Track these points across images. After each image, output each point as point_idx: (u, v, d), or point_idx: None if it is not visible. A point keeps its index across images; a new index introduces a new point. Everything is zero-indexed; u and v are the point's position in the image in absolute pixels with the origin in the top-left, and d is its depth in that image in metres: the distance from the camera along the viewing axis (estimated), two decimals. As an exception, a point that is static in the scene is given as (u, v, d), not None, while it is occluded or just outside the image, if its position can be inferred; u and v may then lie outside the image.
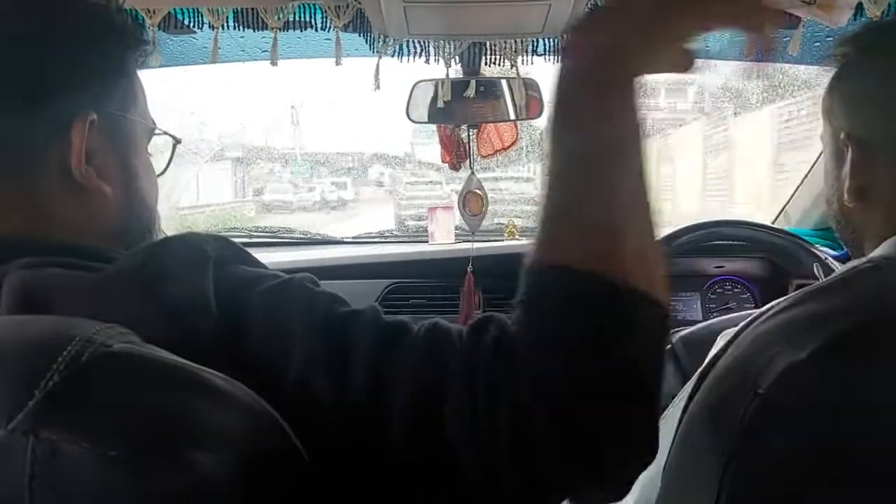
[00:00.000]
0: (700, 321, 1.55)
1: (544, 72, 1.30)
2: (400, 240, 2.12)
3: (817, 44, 1.30)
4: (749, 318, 0.57)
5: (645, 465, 0.45)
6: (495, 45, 1.25)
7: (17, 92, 0.54)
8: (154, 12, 1.12)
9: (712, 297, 1.84)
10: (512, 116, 1.38)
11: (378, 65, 1.22)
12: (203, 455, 0.35)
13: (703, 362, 0.62)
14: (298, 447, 0.43)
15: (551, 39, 1.21)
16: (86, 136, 0.55)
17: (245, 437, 0.39)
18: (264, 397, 0.43)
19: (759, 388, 0.48)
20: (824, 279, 0.57)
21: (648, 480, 0.75)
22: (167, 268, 0.50)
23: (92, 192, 0.57)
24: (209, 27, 1.15)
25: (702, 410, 0.56)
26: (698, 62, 0.52)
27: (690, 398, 0.60)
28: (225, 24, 1.15)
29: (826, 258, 1.34)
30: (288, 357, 0.47)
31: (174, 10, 1.13)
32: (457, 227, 1.98)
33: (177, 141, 0.73)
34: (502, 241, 1.95)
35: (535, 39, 1.22)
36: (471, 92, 1.32)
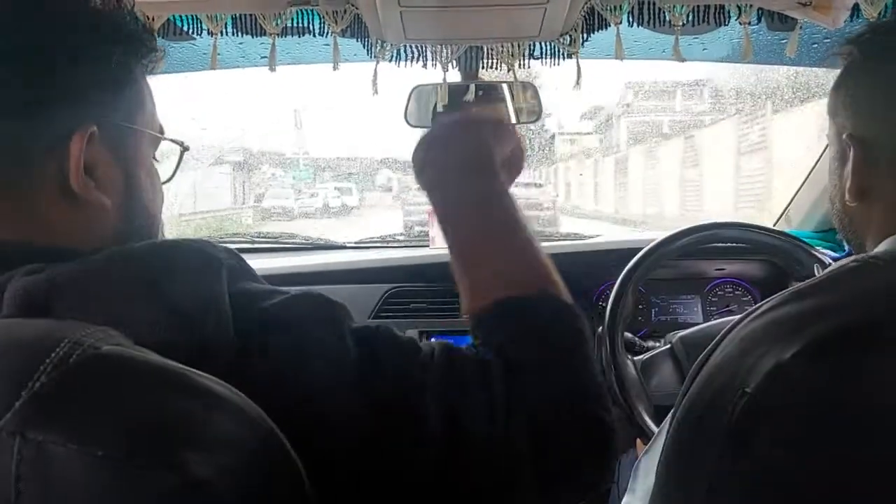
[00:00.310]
0: (700, 324, 1.55)
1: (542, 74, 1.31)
2: (401, 244, 2.12)
3: (815, 45, 1.30)
4: (738, 318, 0.57)
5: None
6: (492, 49, 1.25)
7: (16, 103, 0.53)
8: (154, 19, 1.13)
9: (713, 299, 1.84)
10: (512, 120, 1.38)
11: (376, 70, 1.22)
12: (191, 456, 0.35)
13: None
14: (291, 453, 0.43)
15: (548, 42, 1.21)
16: (85, 148, 0.55)
17: (235, 439, 0.39)
18: (273, 407, 0.43)
19: (746, 387, 0.48)
20: (812, 278, 0.57)
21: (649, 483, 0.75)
22: (178, 271, 0.50)
23: (91, 204, 0.57)
24: (208, 33, 1.16)
25: (692, 409, 0.56)
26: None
27: (679, 403, 0.60)
28: (224, 31, 1.16)
29: (829, 262, 1.34)
30: (309, 372, 0.49)
31: (173, 16, 1.14)
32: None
33: (185, 148, 0.72)
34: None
35: (531, 43, 1.22)
36: (469, 96, 1.32)
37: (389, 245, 2.10)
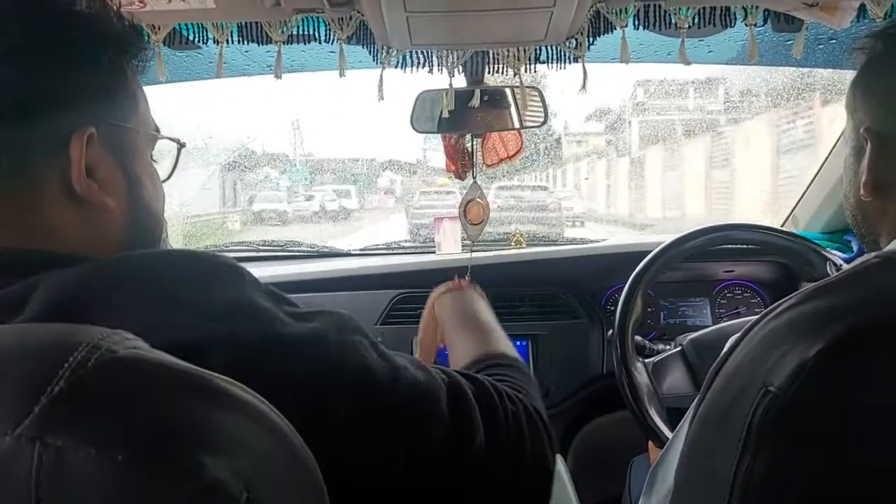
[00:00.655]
0: (709, 326, 1.54)
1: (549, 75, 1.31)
2: (407, 251, 2.12)
3: (821, 46, 1.30)
4: (758, 317, 0.57)
5: None
6: (498, 54, 1.25)
7: (12, 109, 0.54)
8: (159, 28, 1.13)
9: (722, 301, 1.83)
10: (516, 125, 1.38)
11: (381, 76, 1.22)
12: (209, 459, 0.35)
13: (712, 364, 0.62)
14: (309, 457, 0.43)
15: (554, 47, 1.21)
16: (84, 150, 0.56)
17: (252, 442, 0.39)
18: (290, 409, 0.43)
19: (769, 385, 0.47)
20: (834, 275, 0.57)
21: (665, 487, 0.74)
22: (211, 277, 0.54)
23: (96, 206, 0.58)
24: (214, 42, 1.16)
25: (713, 410, 0.55)
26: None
27: (700, 401, 0.60)
28: (229, 39, 1.16)
29: (840, 263, 1.33)
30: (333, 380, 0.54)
31: (179, 25, 1.14)
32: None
33: (181, 145, 0.73)
34: (508, 249, 1.95)
35: (537, 47, 1.22)
36: (475, 101, 1.32)
37: (395, 252, 2.10)
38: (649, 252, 1.37)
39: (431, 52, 1.23)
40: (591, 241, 2.06)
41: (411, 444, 0.57)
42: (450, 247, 1.97)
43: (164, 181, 0.70)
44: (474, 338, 0.91)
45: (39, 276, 0.50)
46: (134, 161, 0.62)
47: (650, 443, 1.27)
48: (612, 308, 1.71)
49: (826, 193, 1.71)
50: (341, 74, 1.20)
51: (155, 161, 0.68)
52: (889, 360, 0.45)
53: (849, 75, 0.73)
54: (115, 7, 0.60)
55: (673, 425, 1.20)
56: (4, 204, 0.55)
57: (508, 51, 1.23)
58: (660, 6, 1.13)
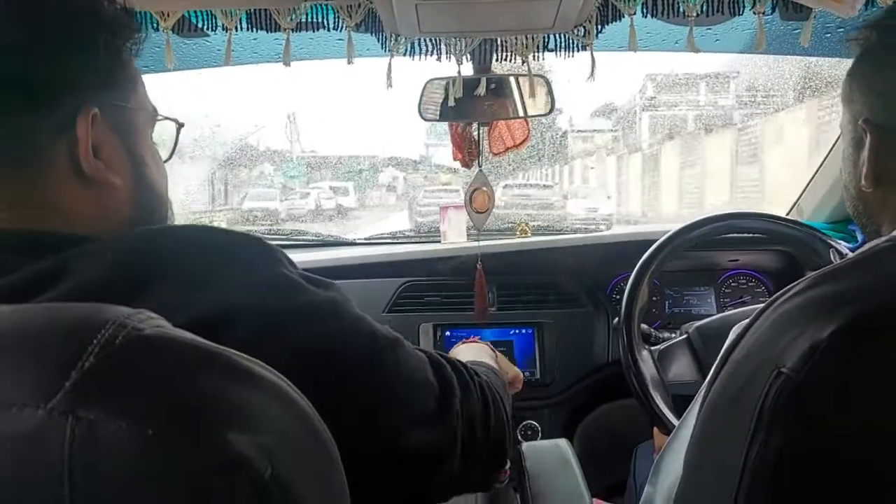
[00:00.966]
0: (714, 315, 1.55)
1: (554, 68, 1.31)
2: (412, 240, 2.13)
3: (828, 35, 1.30)
4: (767, 302, 0.57)
5: None
6: (506, 42, 1.25)
7: (16, 93, 0.55)
8: (168, 15, 1.13)
9: (727, 290, 1.84)
10: (523, 113, 1.38)
11: (390, 64, 1.22)
12: (235, 435, 0.36)
13: (718, 352, 0.62)
14: (328, 436, 0.44)
15: (562, 35, 1.21)
16: (90, 129, 0.57)
17: (275, 419, 0.40)
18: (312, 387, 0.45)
19: (782, 367, 0.48)
20: (847, 258, 0.57)
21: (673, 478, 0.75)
22: (243, 252, 0.58)
23: (103, 185, 0.59)
24: (223, 29, 1.17)
25: (722, 396, 0.56)
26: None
27: (709, 387, 0.60)
28: (238, 26, 1.16)
29: (846, 252, 1.33)
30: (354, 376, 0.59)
31: (187, 13, 1.15)
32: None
33: (180, 125, 0.74)
34: (514, 238, 1.96)
35: (545, 35, 1.22)
36: (482, 90, 1.32)
37: (400, 241, 2.11)
38: (655, 241, 1.38)
39: (440, 40, 1.23)
40: (596, 231, 2.06)
41: (413, 409, 0.64)
42: (455, 236, 1.98)
43: (165, 161, 0.71)
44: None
45: (67, 254, 0.51)
46: (136, 140, 0.64)
47: (655, 430, 1.28)
48: (618, 297, 1.72)
49: (831, 183, 1.71)
50: (350, 62, 1.20)
51: (156, 144, 0.69)
52: None
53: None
54: None
55: (678, 412, 1.21)
56: (16, 186, 0.56)
57: (516, 39, 1.23)
58: (668, -6, 1.13)
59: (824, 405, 0.47)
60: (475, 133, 1.44)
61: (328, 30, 1.18)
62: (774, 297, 0.56)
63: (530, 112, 1.39)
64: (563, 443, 1.13)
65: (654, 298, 1.81)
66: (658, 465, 0.84)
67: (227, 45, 1.18)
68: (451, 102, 1.31)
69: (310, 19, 1.16)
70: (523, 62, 1.25)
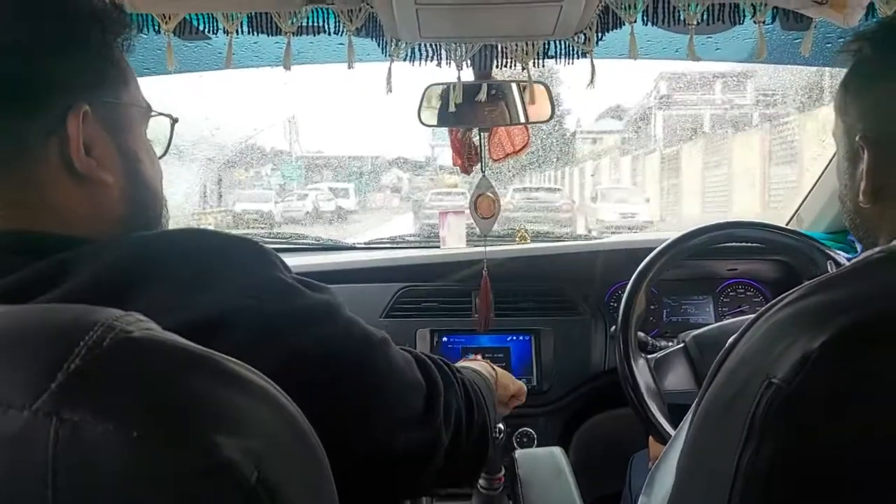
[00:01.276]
0: (712, 324, 1.54)
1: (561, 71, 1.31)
2: (411, 245, 2.12)
3: (829, 45, 1.30)
4: (760, 311, 0.57)
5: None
6: (506, 48, 1.25)
7: (5, 91, 0.55)
8: (169, 18, 1.14)
9: (725, 300, 1.84)
10: (523, 119, 1.38)
11: (390, 68, 1.22)
12: (221, 438, 0.36)
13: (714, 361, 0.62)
14: (316, 440, 0.44)
15: (562, 41, 1.21)
16: (81, 127, 0.57)
17: (262, 423, 0.40)
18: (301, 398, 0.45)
19: (773, 377, 0.48)
20: (838, 269, 0.57)
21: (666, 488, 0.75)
22: (239, 256, 0.58)
23: (96, 183, 0.59)
24: (224, 32, 1.17)
25: (715, 404, 0.56)
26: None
27: (702, 397, 0.60)
28: (239, 29, 1.16)
29: (844, 263, 1.33)
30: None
31: (189, 15, 1.15)
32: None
33: (174, 120, 0.74)
34: (512, 245, 1.96)
35: (546, 42, 1.22)
36: (482, 95, 1.32)
37: (399, 245, 2.11)
38: (653, 249, 1.38)
39: (440, 46, 1.23)
40: (596, 238, 2.06)
41: (404, 409, 0.65)
42: (454, 241, 1.97)
43: (160, 157, 0.71)
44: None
45: (64, 256, 0.51)
46: (129, 137, 0.64)
47: (650, 438, 1.27)
48: (616, 305, 1.72)
49: (830, 193, 1.71)
50: (350, 66, 1.20)
51: (151, 140, 0.69)
52: (892, 352, 0.46)
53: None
54: None
55: (674, 421, 1.20)
56: (9, 185, 0.56)
57: (517, 45, 1.24)
58: (669, 2, 1.13)
59: (815, 415, 0.47)
60: (475, 139, 1.44)
61: (329, 34, 1.18)
62: (767, 306, 0.56)
63: (530, 119, 1.39)
64: (557, 451, 1.13)
65: (652, 307, 1.81)
66: (653, 475, 0.83)
67: (228, 48, 1.18)
68: (452, 108, 1.31)
69: (311, 23, 1.17)
70: (523, 68, 1.25)
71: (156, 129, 0.70)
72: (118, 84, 0.63)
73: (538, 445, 1.66)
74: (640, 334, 1.38)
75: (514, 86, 1.35)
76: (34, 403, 0.34)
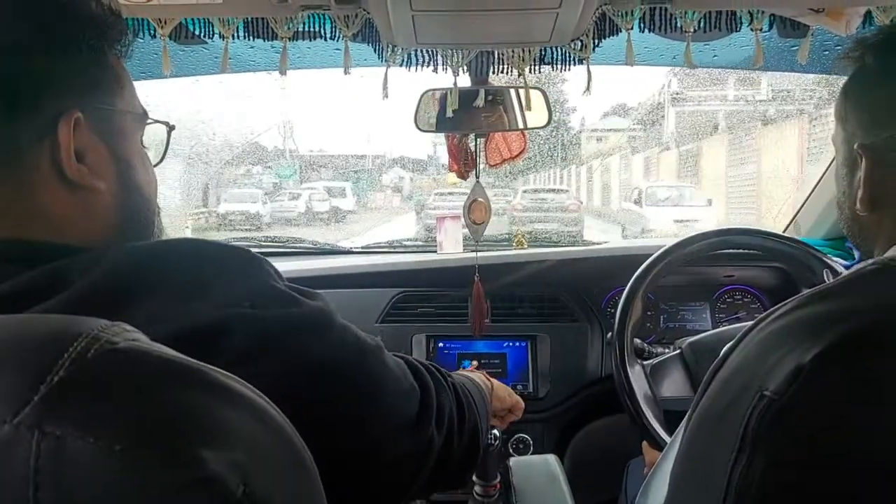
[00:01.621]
0: (709, 331, 1.54)
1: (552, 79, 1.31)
2: (408, 249, 2.12)
3: (826, 52, 1.30)
4: (754, 321, 0.57)
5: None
6: (503, 54, 1.25)
7: None
8: (165, 22, 1.13)
9: (722, 306, 1.84)
10: (520, 125, 1.38)
11: (386, 74, 1.22)
12: (206, 452, 0.35)
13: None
14: (304, 450, 0.44)
15: (559, 48, 1.21)
16: (72, 134, 0.56)
17: (249, 435, 0.39)
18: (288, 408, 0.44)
19: (765, 389, 0.47)
20: (830, 281, 0.57)
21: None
22: (234, 265, 0.58)
23: (88, 190, 0.58)
24: (220, 37, 1.17)
25: (708, 414, 0.56)
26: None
27: (696, 405, 0.60)
28: (235, 35, 1.16)
29: (841, 270, 1.33)
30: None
31: (185, 20, 1.15)
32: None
33: (170, 128, 0.74)
34: (509, 250, 1.95)
35: (542, 48, 1.22)
36: (479, 101, 1.32)
37: (396, 250, 2.10)
38: (650, 255, 1.37)
39: (436, 51, 1.23)
40: (594, 243, 2.06)
41: (398, 416, 0.66)
42: (451, 246, 1.97)
43: (155, 165, 0.70)
44: None
45: (59, 265, 0.51)
46: (122, 144, 0.63)
47: (644, 444, 1.27)
48: (613, 311, 1.71)
49: (828, 199, 1.71)
50: (346, 72, 1.20)
51: (146, 148, 0.68)
52: (884, 365, 0.45)
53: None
54: None
55: (669, 427, 1.20)
56: (2, 193, 0.56)
57: (513, 51, 1.23)
58: (666, 9, 1.13)
59: (807, 428, 0.46)
60: (472, 144, 1.44)
61: (325, 39, 1.18)
62: (761, 317, 0.56)
63: (527, 124, 1.39)
64: (551, 458, 1.13)
65: (649, 313, 1.80)
66: (648, 484, 0.83)
67: (224, 52, 1.18)
68: (449, 114, 1.31)
69: (307, 28, 1.17)
70: (520, 75, 1.25)
71: (152, 134, 0.70)
72: (112, 90, 0.62)
73: (534, 452, 1.66)
74: (637, 341, 1.38)
75: (511, 92, 1.35)
76: (16, 417, 0.33)
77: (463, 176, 1.45)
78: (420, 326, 1.71)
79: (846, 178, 0.70)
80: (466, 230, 1.92)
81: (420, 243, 2.18)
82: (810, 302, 0.53)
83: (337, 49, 1.20)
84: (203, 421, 0.37)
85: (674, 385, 1.30)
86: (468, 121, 1.35)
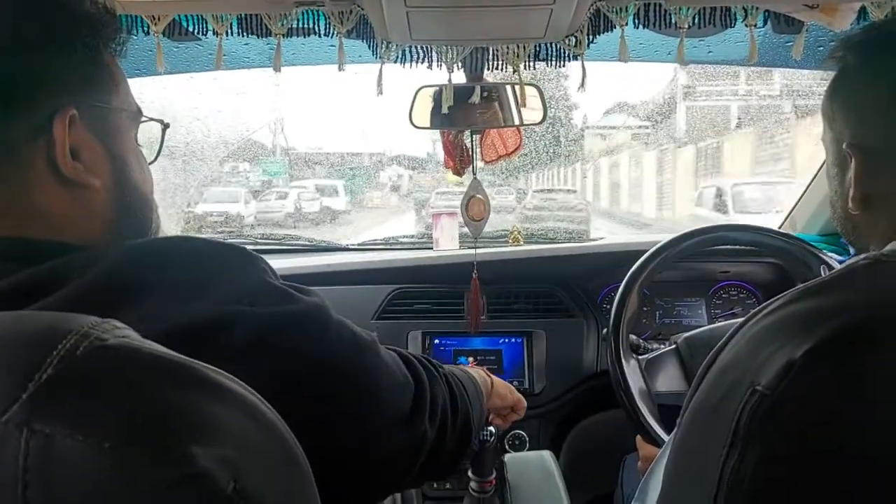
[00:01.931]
0: (705, 326, 1.54)
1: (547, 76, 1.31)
2: (404, 246, 2.12)
3: (821, 48, 1.30)
4: (747, 316, 0.57)
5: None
6: (498, 51, 1.25)
7: None
8: (159, 19, 1.13)
9: (717, 302, 1.84)
10: (515, 122, 1.38)
11: (381, 70, 1.22)
12: (196, 448, 0.35)
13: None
14: (296, 446, 0.44)
15: (553, 44, 1.21)
16: (67, 131, 0.56)
17: (242, 432, 0.39)
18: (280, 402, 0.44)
19: (757, 384, 0.47)
20: (822, 276, 0.57)
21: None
22: (230, 263, 0.59)
23: (84, 188, 0.59)
24: (213, 34, 1.16)
25: (701, 408, 0.56)
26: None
27: (689, 399, 0.60)
28: (229, 31, 1.16)
29: (835, 266, 1.33)
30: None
31: (179, 16, 1.14)
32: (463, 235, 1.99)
33: (165, 125, 0.74)
34: (505, 247, 1.95)
35: (537, 44, 1.22)
36: (474, 98, 1.32)
37: (392, 247, 2.10)
38: (646, 251, 1.38)
39: (431, 48, 1.23)
40: (590, 239, 2.06)
41: (394, 409, 0.66)
42: (447, 243, 1.97)
43: (150, 163, 0.71)
44: None
45: (57, 263, 0.51)
46: (117, 141, 0.63)
47: (638, 439, 1.27)
48: (608, 307, 1.72)
49: (824, 195, 1.71)
50: (340, 68, 1.19)
51: (141, 146, 0.68)
52: (876, 360, 0.46)
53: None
54: None
55: (664, 422, 1.20)
56: None
57: (508, 47, 1.23)
58: (660, 5, 1.13)
59: (799, 423, 0.46)
60: (467, 141, 1.44)
61: (319, 36, 1.17)
62: (753, 312, 0.56)
63: (523, 120, 1.38)
64: (546, 454, 1.13)
65: (645, 309, 1.81)
66: (646, 482, 0.83)
67: (218, 49, 1.18)
68: (444, 110, 1.30)
69: (301, 25, 1.16)
70: (514, 71, 1.25)
71: (146, 132, 0.70)
72: (107, 88, 0.62)
73: (530, 448, 1.66)
74: (632, 336, 1.38)
75: (506, 88, 1.35)
76: (4, 414, 0.33)
77: (458, 172, 1.45)
78: (416, 323, 1.71)
79: (837, 178, 0.70)
80: (463, 227, 1.93)
81: (416, 240, 2.18)
82: (802, 297, 0.53)
83: (331, 45, 1.20)
84: (193, 417, 0.37)
85: (669, 380, 1.30)
86: (463, 117, 1.35)
